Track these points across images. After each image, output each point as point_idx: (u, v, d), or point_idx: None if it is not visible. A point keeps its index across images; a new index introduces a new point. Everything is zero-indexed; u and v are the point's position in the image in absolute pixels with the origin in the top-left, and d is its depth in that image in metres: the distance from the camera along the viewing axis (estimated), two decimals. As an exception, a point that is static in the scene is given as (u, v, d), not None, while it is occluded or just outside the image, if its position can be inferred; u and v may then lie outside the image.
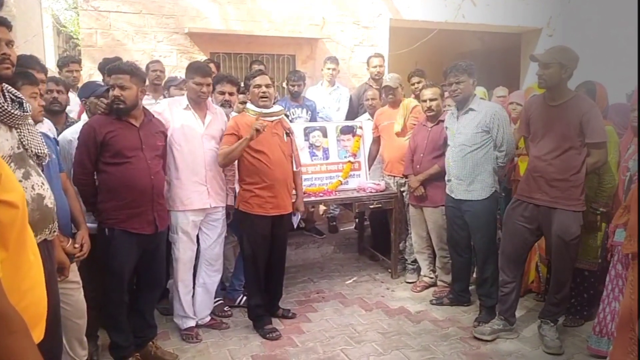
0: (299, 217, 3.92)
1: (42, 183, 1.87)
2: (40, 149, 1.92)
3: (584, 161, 3.02)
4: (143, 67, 3.92)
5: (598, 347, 3.03)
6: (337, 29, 6.16)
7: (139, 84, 2.76)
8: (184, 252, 3.25)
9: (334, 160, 4.50)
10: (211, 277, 3.44)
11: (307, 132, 4.44)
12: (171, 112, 3.21)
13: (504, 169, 3.58)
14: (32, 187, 1.80)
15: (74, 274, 2.45)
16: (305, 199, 3.83)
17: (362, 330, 3.46)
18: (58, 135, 2.86)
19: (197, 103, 3.26)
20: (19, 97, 1.90)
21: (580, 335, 3.36)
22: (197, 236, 3.35)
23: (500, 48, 8.46)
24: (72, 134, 2.89)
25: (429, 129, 3.96)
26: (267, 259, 3.42)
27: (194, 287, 3.38)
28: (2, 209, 1.07)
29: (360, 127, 4.64)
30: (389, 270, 4.54)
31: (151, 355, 3.01)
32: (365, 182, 4.46)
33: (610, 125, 3.29)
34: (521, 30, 7.38)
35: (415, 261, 4.37)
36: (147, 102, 3.88)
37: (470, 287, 3.92)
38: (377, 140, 4.61)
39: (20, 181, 1.72)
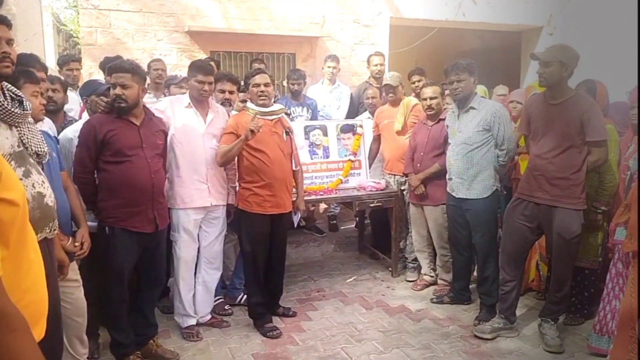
0: (299, 215, 3.92)
1: (43, 181, 1.87)
2: (40, 148, 1.92)
3: (585, 160, 3.02)
4: (143, 66, 3.92)
5: (598, 345, 3.03)
6: (337, 27, 6.16)
7: (140, 83, 2.77)
8: (185, 250, 3.25)
9: (334, 158, 4.50)
10: (211, 275, 3.44)
11: (307, 131, 4.43)
12: (173, 110, 3.21)
13: (505, 168, 3.57)
14: (33, 186, 1.80)
15: (74, 272, 2.46)
16: (305, 198, 3.83)
17: (363, 329, 3.46)
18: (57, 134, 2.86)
19: (199, 101, 3.26)
20: (19, 96, 1.90)
21: (580, 334, 3.36)
22: (198, 234, 3.35)
23: (501, 46, 8.45)
24: (73, 132, 2.89)
25: (429, 127, 3.96)
26: (267, 257, 3.43)
27: (194, 286, 3.38)
28: (3, 207, 1.07)
29: (361, 126, 4.64)
30: (390, 269, 4.54)
31: (152, 353, 3.01)
32: (365, 181, 4.46)
33: (610, 123, 3.29)
34: (521, 28, 7.38)
35: (415, 260, 4.37)
36: (149, 100, 3.89)
37: (470, 286, 3.92)
38: (377, 139, 4.61)
39: (21, 179, 1.72)
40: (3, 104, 1.77)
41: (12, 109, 1.80)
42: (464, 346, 3.23)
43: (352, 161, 4.54)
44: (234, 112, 3.55)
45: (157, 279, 3.05)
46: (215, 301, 3.60)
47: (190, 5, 5.51)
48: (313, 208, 5.13)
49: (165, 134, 3.06)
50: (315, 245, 5.12)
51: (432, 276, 4.23)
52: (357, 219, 5.31)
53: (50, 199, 1.89)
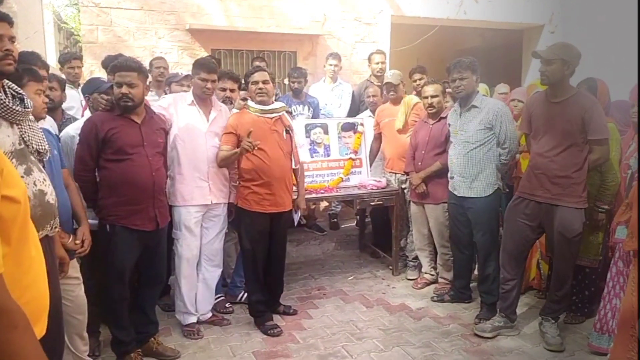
0: (300, 214, 3.92)
1: (44, 179, 1.87)
2: (41, 145, 1.93)
3: (586, 158, 3.01)
4: (144, 64, 3.92)
5: (599, 344, 3.03)
6: (338, 25, 6.15)
7: (144, 81, 2.78)
8: (187, 249, 3.26)
9: (335, 157, 4.50)
10: (211, 272, 3.44)
11: (308, 129, 4.43)
12: (176, 107, 3.21)
13: (506, 166, 3.57)
14: (34, 183, 1.81)
15: (74, 270, 2.46)
16: (306, 196, 3.83)
17: (363, 327, 3.46)
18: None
19: (202, 99, 3.26)
20: (20, 93, 1.90)
21: (581, 332, 3.36)
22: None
23: (502, 45, 8.43)
24: (74, 130, 2.89)
25: (430, 125, 3.95)
26: (267, 255, 3.43)
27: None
28: (4, 204, 1.07)
29: (362, 124, 4.64)
30: (390, 267, 4.54)
31: (153, 351, 3.02)
32: (366, 179, 4.45)
33: (612, 122, 3.29)
34: (523, 26, 7.36)
35: (416, 258, 4.36)
36: (151, 98, 3.89)
37: (471, 284, 3.92)
38: (378, 137, 4.60)
39: (22, 177, 1.72)
40: (4, 102, 1.77)
41: (14, 107, 1.80)
42: (464, 344, 3.23)
43: (353, 159, 4.54)
44: (234, 111, 3.55)
45: (157, 277, 3.05)
46: (216, 299, 3.60)
47: (191, 3, 5.51)
48: (314, 206, 5.14)
49: (166, 132, 3.06)
50: (316, 243, 5.12)
51: (432, 274, 4.22)
52: (358, 217, 5.31)
53: (51, 197, 1.89)
